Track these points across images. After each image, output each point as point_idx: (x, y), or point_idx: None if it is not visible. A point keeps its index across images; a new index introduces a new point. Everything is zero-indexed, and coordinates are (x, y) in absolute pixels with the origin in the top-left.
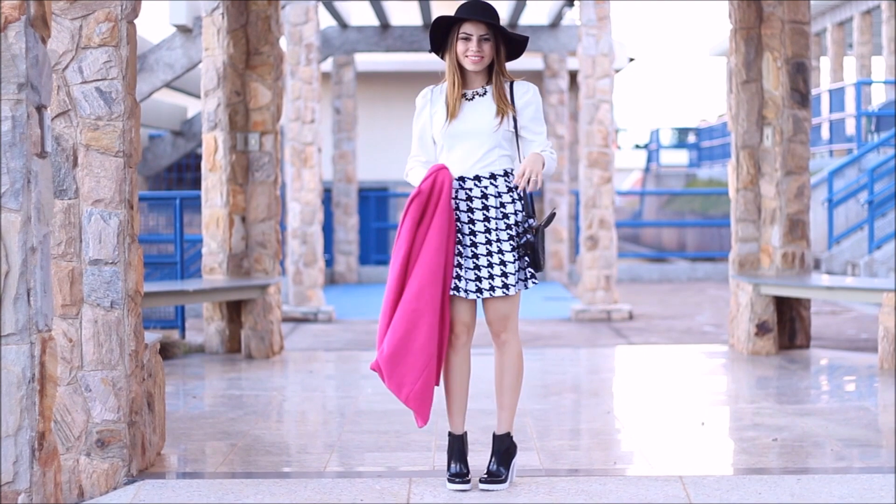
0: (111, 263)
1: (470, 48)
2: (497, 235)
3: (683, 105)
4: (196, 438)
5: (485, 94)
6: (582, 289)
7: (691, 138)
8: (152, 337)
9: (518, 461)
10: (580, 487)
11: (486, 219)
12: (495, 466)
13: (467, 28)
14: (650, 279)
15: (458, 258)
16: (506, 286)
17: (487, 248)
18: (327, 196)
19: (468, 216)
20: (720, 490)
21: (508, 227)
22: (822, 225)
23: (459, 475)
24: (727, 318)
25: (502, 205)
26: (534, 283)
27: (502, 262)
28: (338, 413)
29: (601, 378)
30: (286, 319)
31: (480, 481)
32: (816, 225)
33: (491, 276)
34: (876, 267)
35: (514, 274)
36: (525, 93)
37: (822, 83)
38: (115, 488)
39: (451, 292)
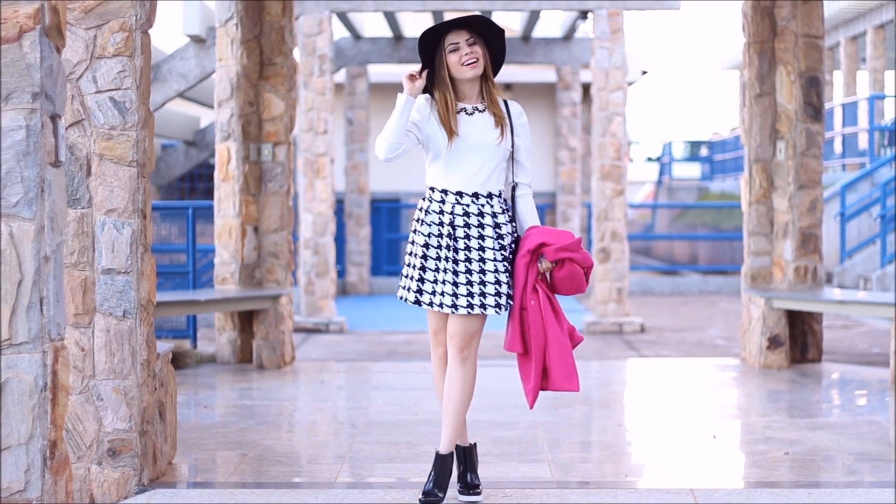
0: (124, 273)
1: (462, 53)
2: (493, 255)
3: (696, 118)
4: (207, 448)
5: (484, 110)
6: (594, 301)
7: (704, 151)
8: (164, 346)
9: (529, 473)
10: (591, 500)
11: (481, 237)
12: (430, 486)
13: (451, 38)
14: (662, 292)
15: (436, 273)
16: (498, 305)
17: (481, 266)
18: (339, 207)
19: (464, 231)
20: (731, 503)
21: (503, 247)
22: (835, 239)
23: (469, 486)
24: (739, 331)
25: (498, 225)
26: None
27: (497, 282)
28: (349, 424)
29: (612, 390)
30: (298, 330)
31: (420, 501)
32: (829, 239)
33: (483, 294)
34: (888, 281)
35: (507, 294)
36: (521, 115)
37: (836, 97)
38: (126, 497)
39: (429, 307)
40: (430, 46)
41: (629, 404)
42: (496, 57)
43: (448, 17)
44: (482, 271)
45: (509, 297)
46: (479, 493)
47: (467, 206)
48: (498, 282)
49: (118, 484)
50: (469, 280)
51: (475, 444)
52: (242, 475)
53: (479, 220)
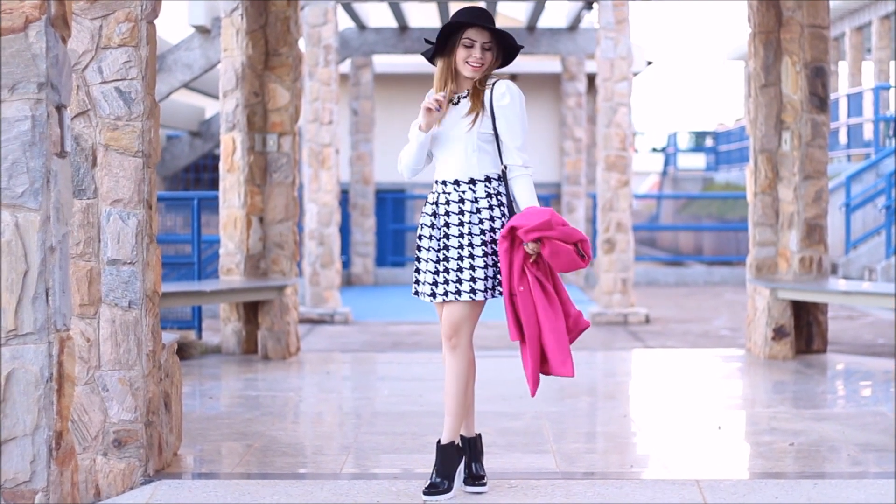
0: (129, 263)
1: (473, 55)
2: (470, 241)
3: (701, 109)
4: (212, 439)
5: (467, 96)
6: (599, 292)
7: (709, 142)
8: (169, 337)
9: (535, 464)
10: (596, 491)
11: (461, 223)
12: (434, 478)
13: (471, 34)
14: (667, 283)
15: (436, 263)
16: (473, 291)
17: (459, 253)
18: (344, 197)
19: (444, 220)
20: (736, 494)
21: (483, 232)
22: (840, 229)
23: (474, 477)
24: (744, 322)
25: (478, 210)
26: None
27: (472, 268)
28: (354, 414)
29: (617, 381)
30: (303, 321)
31: (424, 493)
32: (834, 229)
33: (459, 281)
34: (893, 272)
35: (482, 280)
36: (502, 96)
37: (841, 88)
38: (131, 488)
39: (428, 299)
40: (451, 29)
41: (634, 395)
42: (504, 56)
43: (453, 7)
44: (460, 257)
45: (488, 284)
46: (484, 484)
47: (448, 194)
48: (472, 267)
49: (123, 475)
50: (446, 268)
51: (480, 434)
52: (248, 466)
53: (459, 207)
